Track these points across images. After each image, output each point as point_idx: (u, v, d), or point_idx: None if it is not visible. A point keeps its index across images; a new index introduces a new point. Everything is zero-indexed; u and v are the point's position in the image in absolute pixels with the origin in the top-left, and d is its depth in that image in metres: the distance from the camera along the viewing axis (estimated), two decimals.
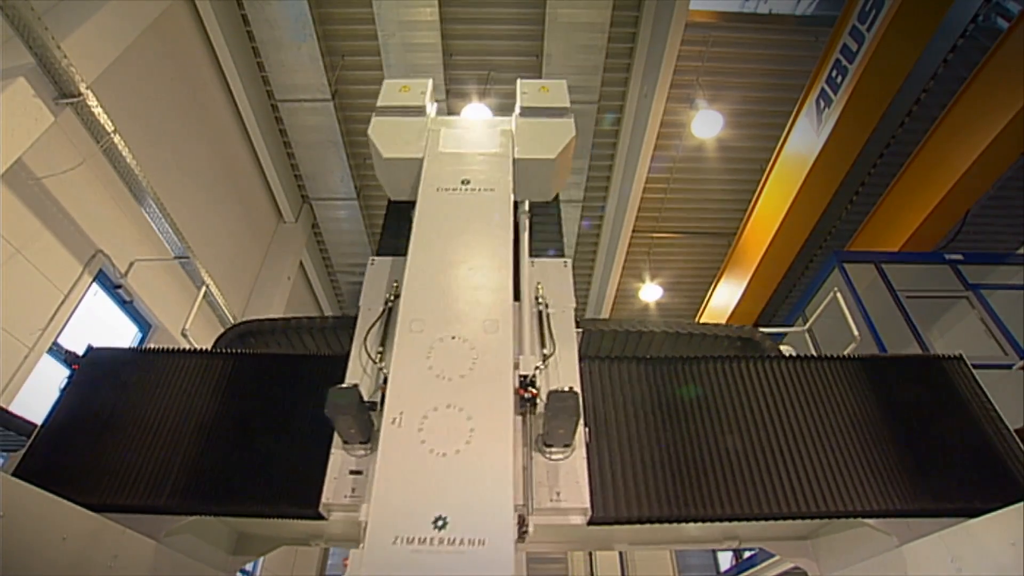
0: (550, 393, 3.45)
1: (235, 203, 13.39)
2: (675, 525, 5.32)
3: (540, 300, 4.27)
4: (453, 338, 3.49)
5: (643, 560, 14.20)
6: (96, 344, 4.98)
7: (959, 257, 9.96)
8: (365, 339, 4.20)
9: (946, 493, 4.14)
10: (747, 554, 13.84)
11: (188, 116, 11.41)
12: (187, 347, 5.17)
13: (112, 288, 9.60)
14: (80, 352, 4.91)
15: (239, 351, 5.06)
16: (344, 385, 3.49)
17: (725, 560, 14.89)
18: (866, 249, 11.77)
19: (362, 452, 3.74)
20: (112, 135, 8.05)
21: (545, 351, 4.02)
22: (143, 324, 10.59)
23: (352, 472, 3.68)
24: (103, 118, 7.84)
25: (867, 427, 4.40)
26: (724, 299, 14.97)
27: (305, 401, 4.39)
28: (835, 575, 5.20)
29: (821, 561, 5.99)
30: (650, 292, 16.62)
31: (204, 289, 7.14)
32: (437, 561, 2.79)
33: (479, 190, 4.31)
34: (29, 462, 4.24)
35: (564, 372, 4.03)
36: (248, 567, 12.08)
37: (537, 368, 3.87)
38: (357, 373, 4.07)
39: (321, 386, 3.76)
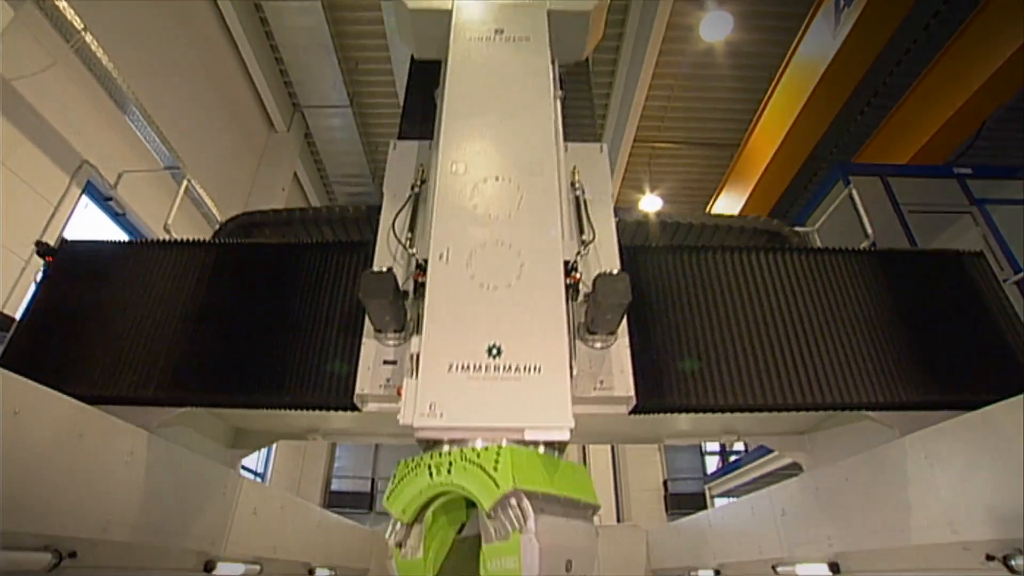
0: (598, 276, 3.29)
1: (223, 112, 12.85)
2: (675, 419, 5.50)
3: (577, 186, 4.06)
4: (496, 179, 3.37)
5: (634, 464, 14.94)
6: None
7: (968, 171, 9.68)
8: (393, 224, 4.00)
9: (955, 385, 4.18)
10: (732, 458, 14.51)
11: (167, 18, 10.72)
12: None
13: (103, 200, 9.43)
14: (54, 244, 4.74)
15: (231, 241, 4.87)
16: (379, 268, 3.33)
17: (712, 463, 15.67)
18: (873, 162, 11.43)
19: (394, 342, 3.62)
20: (82, 33, 7.59)
21: (584, 238, 3.81)
22: (138, 237, 10.51)
23: (386, 362, 3.61)
24: (70, 14, 7.35)
25: (879, 321, 4.42)
26: (724, 212, 14.76)
27: (310, 292, 4.31)
28: (826, 468, 5.29)
29: (816, 455, 6.19)
30: (650, 203, 16.37)
31: (185, 183, 6.75)
32: (494, 387, 2.78)
33: (514, 39, 4.05)
34: (10, 355, 4.17)
35: (605, 259, 3.85)
36: (260, 465, 12.71)
37: (578, 254, 3.68)
38: (386, 260, 3.89)
39: (332, 276, 3.69)
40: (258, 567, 6.13)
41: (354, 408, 3.73)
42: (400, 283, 3.51)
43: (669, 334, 4.18)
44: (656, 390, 3.99)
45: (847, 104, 11.54)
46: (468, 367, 2.83)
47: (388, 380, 3.58)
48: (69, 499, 3.50)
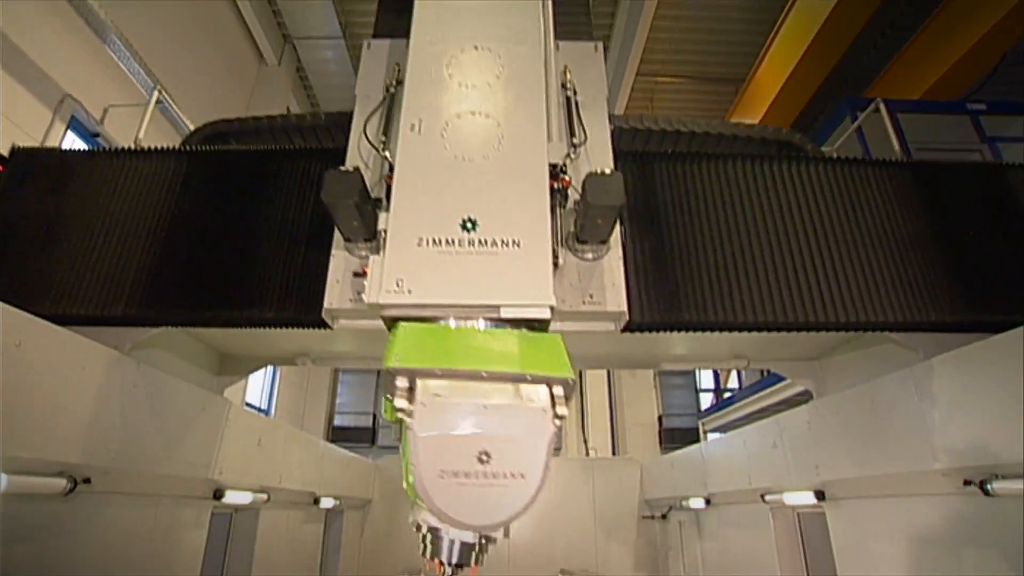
0: (588, 176, 2.99)
1: (210, 43, 12.37)
2: (677, 339, 5.26)
3: (568, 86, 3.72)
4: (476, 48, 3.11)
5: (630, 400, 15.32)
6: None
7: (982, 107, 9.40)
8: (365, 128, 3.69)
9: (989, 305, 3.93)
10: (726, 395, 14.87)
11: None
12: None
13: (91, 137, 9.21)
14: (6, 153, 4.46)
15: (201, 148, 4.54)
16: (344, 168, 3.02)
17: (705, 400, 16.07)
18: (884, 97, 11.11)
19: (366, 253, 3.30)
20: None
21: (575, 140, 3.50)
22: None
23: (356, 275, 3.29)
24: None
25: (909, 236, 4.11)
26: None
27: (281, 202, 4.02)
28: (817, 401, 5.42)
29: (826, 382, 6.18)
30: None
31: (156, 93, 6.25)
32: (467, 262, 2.60)
33: None
34: None
35: (598, 164, 3.51)
36: (264, 402, 13.02)
37: (567, 157, 3.38)
38: (356, 163, 3.56)
39: (301, 184, 3.35)
40: (265, 496, 6.39)
41: (324, 325, 3.44)
42: (371, 189, 3.26)
43: (674, 246, 3.87)
44: (656, 306, 3.68)
45: (857, 39, 11.11)
46: (440, 241, 2.63)
47: (359, 294, 3.20)
48: (76, 430, 3.60)
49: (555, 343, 2.62)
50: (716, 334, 3.93)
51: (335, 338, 4.14)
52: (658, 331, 3.71)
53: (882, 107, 6.20)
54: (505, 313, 2.59)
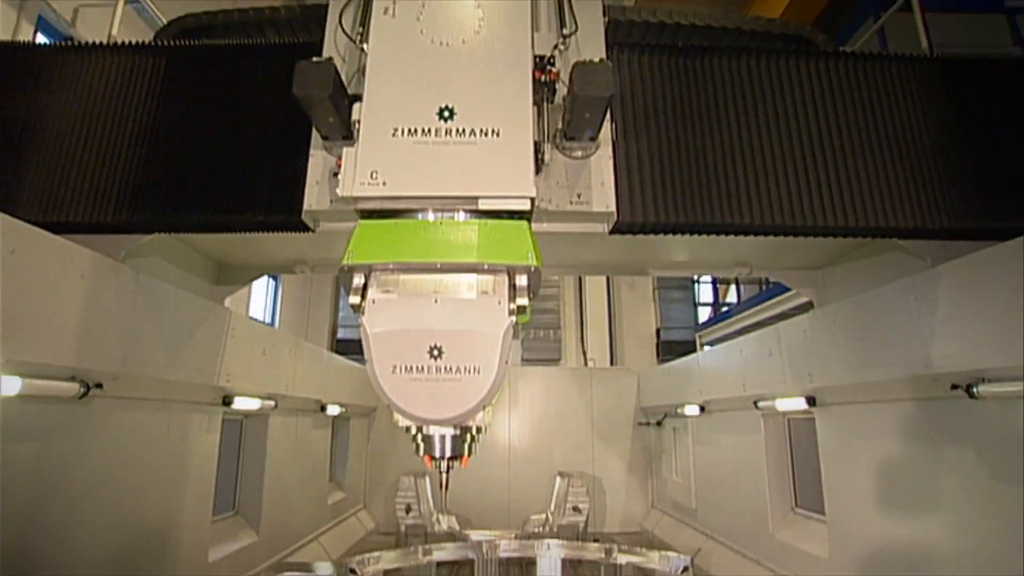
0: (576, 65, 2.83)
1: None
2: (680, 243, 5.12)
3: None
4: None
5: (629, 312, 15.53)
6: None
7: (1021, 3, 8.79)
8: (340, 18, 3.48)
9: (1003, 211, 3.72)
10: (723, 308, 15.09)
11: None
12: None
13: (64, 41, 8.75)
14: None
15: (177, 43, 4.25)
16: (317, 59, 2.86)
17: (703, 315, 16.31)
18: None
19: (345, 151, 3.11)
20: None
21: (565, 31, 3.30)
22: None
23: (336, 174, 3.12)
24: None
25: (927, 138, 3.84)
26: None
27: (265, 101, 3.78)
28: (816, 311, 5.49)
29: (830, 290, 6.17)
30: None
31: None
32: (444, 152, 2.53)
33: None
34: None
35: (589, 55, 3.32)
36: (268, 316, 13.23)
37: (556, 48, 3.20)
38: (332, 56, 3.35)
39: (285, 82, 3.30)
40: (272, 403, 6.65)
41: (306, 228, 3.40)
42: (348, 84, 3.12)
43: (673, 144, 3.65)
44: (649, 207, 3.50)
45: None
46: (416, 131, 2.53)
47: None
48: (78, 336, 3.68)
49: (519, 231, 2.55)
50: (718, 239, 3.81)
51: (331, 244, 4.00)
52: (649, 233, 3.56)
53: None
54: (484, 205, 2.53)
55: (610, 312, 15.35)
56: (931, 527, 4.36)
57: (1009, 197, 3.76)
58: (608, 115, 3.14)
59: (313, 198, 3.26)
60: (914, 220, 3.66)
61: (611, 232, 3.46)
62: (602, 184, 3.27)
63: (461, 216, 2.58)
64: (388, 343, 2.41)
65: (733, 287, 14.83)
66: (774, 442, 6.90)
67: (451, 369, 2.39)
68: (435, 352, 2.39)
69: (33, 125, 3.91)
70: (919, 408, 4.50)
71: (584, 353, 14.92)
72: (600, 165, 3.29)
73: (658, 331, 15.53)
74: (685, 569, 6.03)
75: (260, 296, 12.57)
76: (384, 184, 2.51)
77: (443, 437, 2.81)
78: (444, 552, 6.63)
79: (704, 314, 16.24)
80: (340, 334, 16.19)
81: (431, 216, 2.58)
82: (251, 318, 6.57)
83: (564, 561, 6.90)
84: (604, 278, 14.95)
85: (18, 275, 3.20)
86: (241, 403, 5.88)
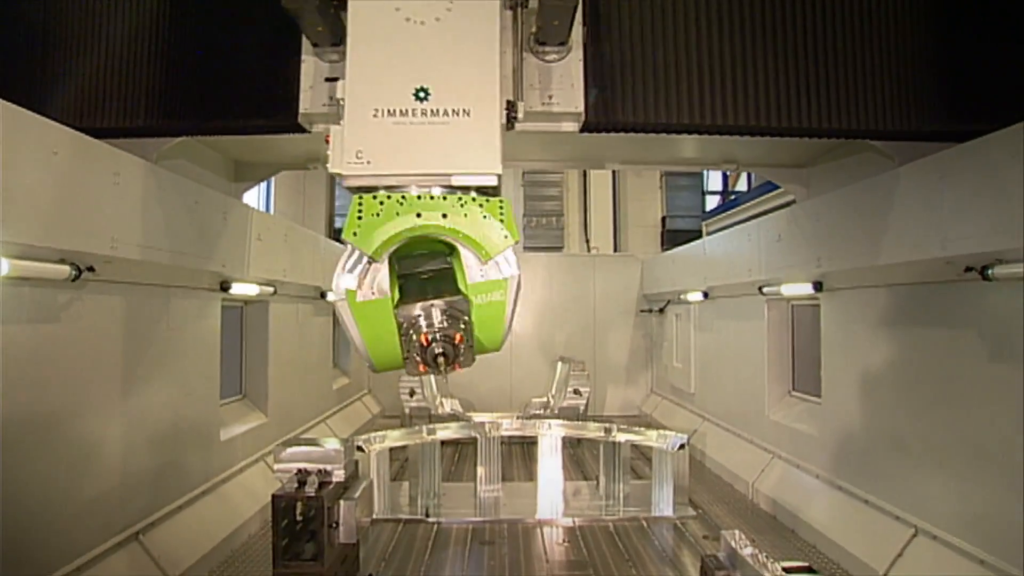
0: None
1: None
2: (671, 140, 5.28)
3: None
4: None
5: (634, 200, 15.29)
6: None
7: None
8: None
9: (977, 114, 3.80)
10: (732, 197, 14.85)
11: None
12: None
13: None
14: None
15: None
16: None
17: (712, 203, 16.05)
18: None
19: (336, 57, 3.44)
20: None
21: None
22: None
23: (328, 79, 3.45)
24: None
25: (904, 43, 3.83)
26: None
27: (254, 8, 3.88)
28: (825, 196, 5.48)
29: (812, 187, 6.32)
30: None
31: None
32: (421, 132, 2.80)
33: None
34: None
35: None
36: (261, 206, 13.09)
37: None
38: None
39: None
40: (271, 288, 6.74)
41: (302, 130, 3.67)
42: None
43: (643, 46, 3.75)
44: (613, 106, 3.68)
45: None
46: (394, 112, 2.81)
47: (331, 98, 3.42)
48: (78, 219, 3.63)
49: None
50: (706, 137, 3.98)
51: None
52: (619, 131, 3.77)
53: None
54: (456, 181, 2.84)
55: (615, 199, 15.17)
56: (927, 409, 4.55)
57: (973, 100, 3.86)
58: (580, 19, 3.36)
59: (307, 101, 3.53)
60: (887, 122, 3.79)
61: (581, 131, 3.70)
62: (572, 86, 3.53)
63: (437, 191, 2.88)
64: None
65: (744, 174, 14.51)
66: (777, 327, 7.06)
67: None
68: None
69: (55, 32, 4.04)
70: (927, 292, 4.53)
71: (587, 240, 14.94)
72: (571, 67, 3.53)
73: (664, 219, 15.38)
74: (681, 446, 6.41)
75: (253, 188, 12.39)
76: (369, 163, 2.81)
77: (431, 311, 2.93)
78: (448, 431, 6.97)
79: (712, 203, 16.01)
80: (338, 223, 16.10)
81: (414, 190, 2.87)
82: (244, 204, 6.52)
83: (564, 440, 7.29)
84: None
85: (62, 175, 3.41)
86: (239, 289, 5.97)
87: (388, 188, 2.87)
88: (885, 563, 4.57)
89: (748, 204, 11.83)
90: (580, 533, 5.95)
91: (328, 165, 2.89)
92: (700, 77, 3.73)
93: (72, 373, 3.93)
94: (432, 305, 2.93)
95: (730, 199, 14.58)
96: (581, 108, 3.54)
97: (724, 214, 13.38)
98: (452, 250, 2.98)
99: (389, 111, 2.82)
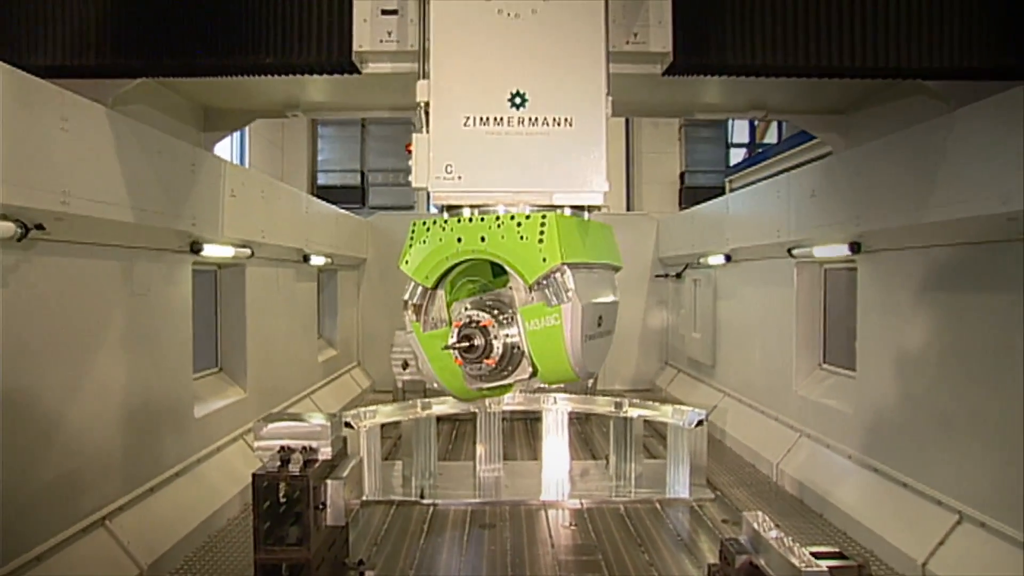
0: None
1: None
2: (693, 83, 5.05)
3: None
4: None
5: (650, 153, 15.01)
6: None
7: None
8: None
9: None
10: (759, 150, 14.59)
11: None
12: None
13: None
14: None
15: None
16: None
17: (737, 156, 15.79)
18: None
19: None
20: None
21: None
22: None
23: (386, 12, 3.38)
24: None
25: None
26: None
27: None
28: (865, 145, 5.30)
29: (852, 136, 6.14)
30: None
31: None
32: (518, 144, 2.77)
33: None
34: None
35: None
36: (235, 159, 12.88)
37: None
38: None
39: None
40: (248, 250, 6.62)
41: (352, 70, 3.54)
42: None
43: None
44: (696, 46, 3.64)
45: None
46: (487, 120, 2.77)
47: (390, 34, 3.40)
48: (19, 169, 3.47)
49: (611, 235, 3.44)
50: (728, 79, 4.00)
51: (328, 85, 4.02)
52: (709, 74, 3.75)
53: None
54: (557, 200, 2.82)
55: (628, 153, 14.96)
56: (976, 384, 4.45)
57: None
58: None
59: (364, 37, 3.44)
60: (941, 59, 3.61)
61: (664, 73, 3.68)
62: (660, 22, 3.48)
63: (526, 208, 2.86)
64: (592, 316, 2.87)
65: (775, 124, 14.23)
66: (807, 293, 6.98)
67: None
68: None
69: None
70: (982, 253, 4.40)
71: None
72: (660, 3, 3.48)
73: (682, 175, 15.21)
74: (699, 423, 6.37)
75: (224, 140, 12.17)
76: (460, 179, 2.80)
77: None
78: (444, 406, 6.94)
79: (737, 156, 15.77)
80: (321, 180, 15.89)
81: (502, 209, 2.86)
82: (215, 156, 6.37)
83: (571, 415, 7.30)
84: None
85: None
86: (212, 250, 5.86)
87: (476, 206, 2.89)
88: (925, 552, 4.53)
89: (778, 157, 11.62)
90: (588, 516, 5.95)
91: (411, 178, 2.88)
92: (749, 13, 3.65)
93: (23, 345, 3.81)
94: (476, 299, 2.99)
95: (757, 152, 14.33)
96: (668, 48, 3.50)
97: (750, 169, 13.18)
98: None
99: (482, 119, 2.79)
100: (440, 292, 3.01)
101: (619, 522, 5.81)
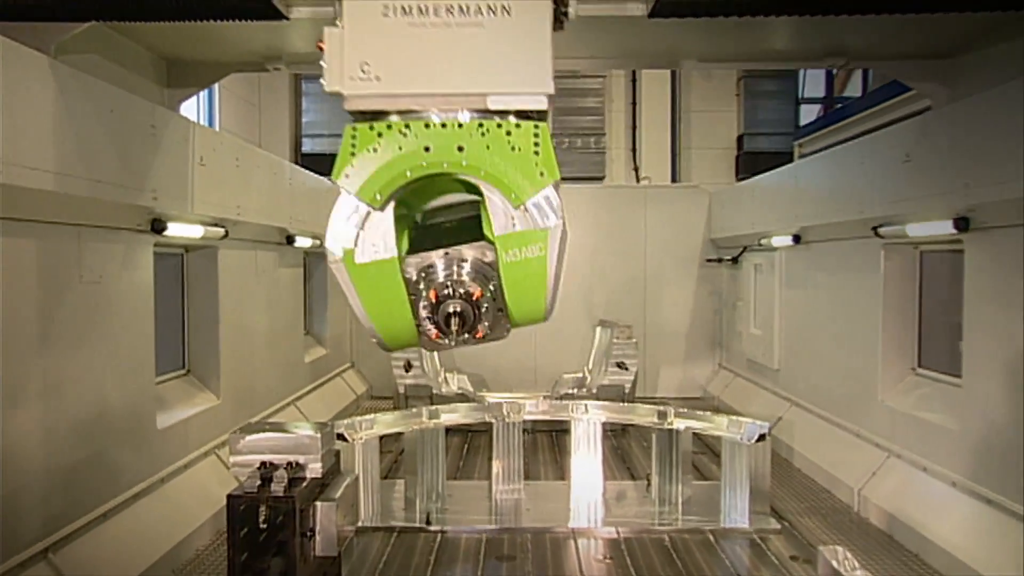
0: None
1: None
2: (757, 25, 5.01)
3: None
4: None
5: (701, 114, 14.78)
6: None
7: None
8: None
9: None
10: (837, 106, 14.28)
11: None
12: None
13: None
14: None
15: None
16: None
17: (809, 115, 15.47)
18: None
19: None
20: None
21: None
22: None
23: None
24: None
25: None
26: None
27: None
28: (978, 96, 5.18)
29: (958, 86, 5.94)
30: None
31: None
32: (446, 37, 2.76)
33: None
34: None
35: None
36: (203, 99, 12.88)
37: None
38: None
39: None
40: (221, 230, 6.58)
41: (277, 15, 3.63)
42: None
43: None
44: None
45: None
46: (410, 8, 2.74)
47: None
48: None
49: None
50: (806, 19, 3.97)
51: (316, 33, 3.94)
52: (698, 16, 3.71)
53: None
54: (493, 104, 2.82)
55: (674, 112, 14.74)
56: None
57: None
58: None
59: None
60: None
61: (651, 15, 3.65)
62: None
63: (464, 116, 2.86)
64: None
65: (858, 75, 13.94)
66: (897, 281, 6.86)
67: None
68: None
69: None
70: None
71: (636, 168, 14.67)
72: None
73: (741, 138, 14.95)
74: (760, 438, 6.28)
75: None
76: (378, 80, 2.78)
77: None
78: (455, 415, 6.94)
79: (810, 115, 15.47)
80: (306, 146, 15.90)
81: (435, 116, 2.85)
82: (182, 117, 6.37)
83: (605, 427, 7.23)
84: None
85: None
86: (177, 229, 5.84)
87: (402, 113, 2.87)
88: None
89: (861, 115, 11.38)
90: (626, 547, 5.93)
91: (321, 81, 2.85)
92: None
93: None
94: (449, 254, 2.96)
95: (835, 109, 14.03)
96: None
97: (826, 129, 12.93)
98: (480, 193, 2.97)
99: (404, 8, 2.74)
100: (384, 215, 2.91)
101: (663, 556, 5.77)
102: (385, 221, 2.90)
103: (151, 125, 5.35)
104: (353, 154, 2.87)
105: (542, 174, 2.79)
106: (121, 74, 5.66)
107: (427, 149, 2.83)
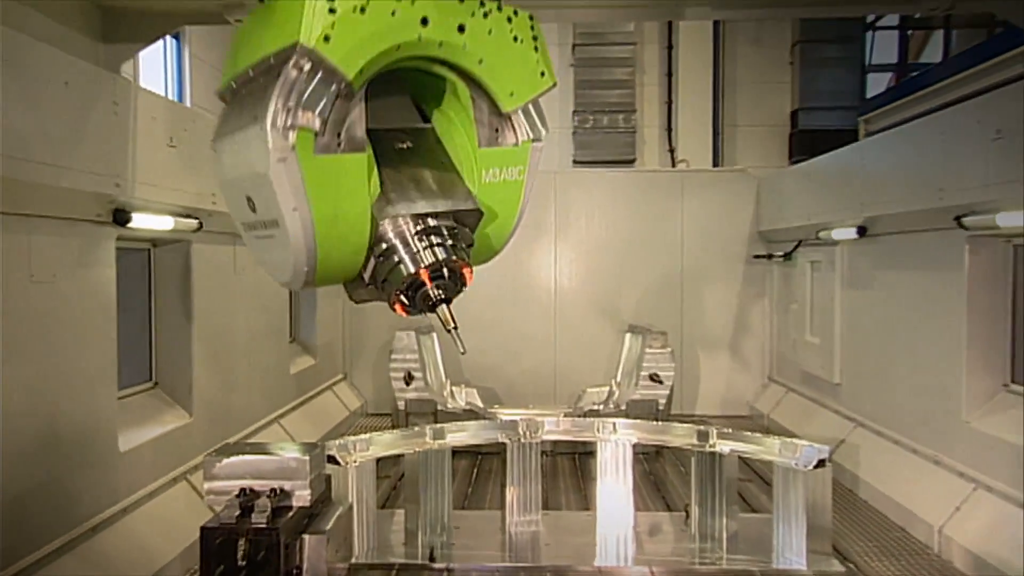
0: None
1: None
2: None
3: None
4: None
5: (748, 86, 14.65)
6: None
7: None
8: None
9: None
10: (913, 73, 14.16)
11: None
12: None
13: None
14: None
15: None
16: None
17: (877, 85, 15.31)
18: None
19: None
20: None
21: None
22: None
23: None
24: None
25: None
26: None
27: None
28: None
29: None
30: None
31: None
32: None
33: None
34: None
35: None
36: (172, 65, 12.95)
37: None
38: None
39: None
40: (195, 222, 6.58)
41: None
42: None
43: None
44: None
45: None
46: None
47: None
48: None
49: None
50: None
51: None
52: None
53: None
54: None
55: (716, 85, 14.69)
56: None
57: None
58: None
59: None
60: None
61: None
62: None
63: None
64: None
65: (937, 36, 13.82)
66: (985, 280, 6.79)
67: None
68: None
69: None
70: None
71: (672, 150, 14.68)
72: None
73: (795, 114, 14.86)
74: (820, 464, 6.21)
75: (154, 63, 12.17)
76: None
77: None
78: (463, 435, 6.91)
79: (879, 86, 15.37)
80: None
81: None
82: (149, 91, 6.35)
83: (636, 449, 7.22)
84: (710, 30, 14.28)
85: None
86: (144, 221, 5.86)
87: None
88: None
89: (941, 84, 11.29)
90: None
91: None
92: None
93: None
94: (430, 215, 2.82)
95: (910, 77, 13.91)
96: None
97: (898, 102, 12.83)
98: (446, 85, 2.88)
99: None
100: (359, 99, 2.73)
101: None
102: (358, 107, 2.70)
103: (113, 101, 5.35)
104: (332, 11, 2.54)
105: (543, 74, 2.75)
106: (43, 24, 5.45)
107: (424, 22, 2.64)
